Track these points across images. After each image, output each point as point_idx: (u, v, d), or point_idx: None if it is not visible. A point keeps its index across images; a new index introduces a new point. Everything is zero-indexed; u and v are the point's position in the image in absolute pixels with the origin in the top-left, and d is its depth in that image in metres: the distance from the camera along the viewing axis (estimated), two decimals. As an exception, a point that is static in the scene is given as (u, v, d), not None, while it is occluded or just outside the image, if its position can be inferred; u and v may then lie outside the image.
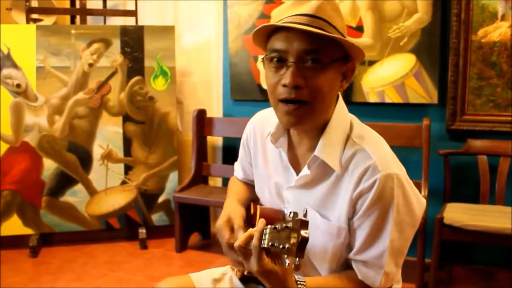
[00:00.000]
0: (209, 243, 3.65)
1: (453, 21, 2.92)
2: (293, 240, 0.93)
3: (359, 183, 1.11)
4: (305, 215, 0.96)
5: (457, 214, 2.63)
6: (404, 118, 3.08)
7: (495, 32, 2.87)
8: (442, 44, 2.99)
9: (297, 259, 0.93)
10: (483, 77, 2.92)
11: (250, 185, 1.48)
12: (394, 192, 1.09)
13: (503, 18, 2.85)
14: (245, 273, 1.36)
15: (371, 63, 3.15)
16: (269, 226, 1.02)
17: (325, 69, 1.09)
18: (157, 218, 3.58)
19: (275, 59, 1.11)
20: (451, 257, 3.08)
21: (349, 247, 1.18)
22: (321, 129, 1.17)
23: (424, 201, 1.18)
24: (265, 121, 1.35)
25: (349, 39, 1.11)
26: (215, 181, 3.83)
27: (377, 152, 1.13)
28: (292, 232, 0.94)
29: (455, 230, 2.55)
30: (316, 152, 1.15)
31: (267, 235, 1.01)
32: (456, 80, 2.96)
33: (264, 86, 3.49)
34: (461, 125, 2.99)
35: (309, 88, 1.08)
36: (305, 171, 1.19)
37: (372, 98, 3.17)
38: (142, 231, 3.50)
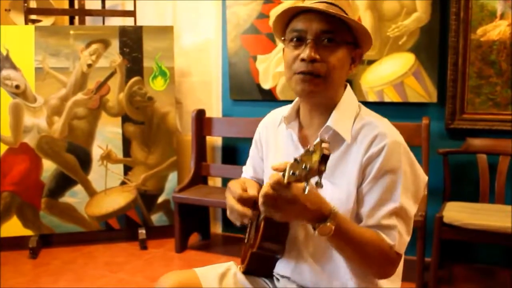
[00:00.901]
0: (209, 243, 3.65)
1: (452, 20, 2.92)
2: (315, 158, 0.92)
3: (369, 149, 1.20)
4: (323, 139, 0.95)
5: (457, 213, 2.63)
6: (403, 117, 3.07)
7: (494, 31, 2.87)
8: (441, 43, 2.99)
9: (319, 177, 0.92)
10: (482, 76, 2.92)
11: (257, 182, 1.49)
12: (401, 159, 1.19)
13: (502, 16, 2.85)
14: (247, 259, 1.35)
15: (370, 62, 3.15)
16: (288, 162, 1.01)
17: (338, 49, 1.21)
18: (157, 218, 3.58)
19: (295, 38, 1.23)
20: (451, 256, 3.08)
21: (357, 217, 1.22)
22: (331, 108, 1.26)
23: (426, 177, 1.26)
24: (276, 115, 1.43)
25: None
26: (215, 181, 3.83)
27: (385, 124, 1.25)
28: (313, 153, 0.93)
29: (455, 229, 2.55)
30: (328, 122, 1.24)
31: (286, 170, 1.01)
32: (455, 79, 2.96)
33: (263, 86, 3.50)
34: (460, 124, 2.99)
35: (324, 63, 1.20)
36: (316, 141, 1.21)
37: (371, 97, 3.17)
38: (142, 232, 3.50)
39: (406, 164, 1.19)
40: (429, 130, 2.90)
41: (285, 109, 1.38)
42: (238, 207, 1.21)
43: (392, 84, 3.11)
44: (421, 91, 3.04)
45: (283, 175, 1.02)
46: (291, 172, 0.98)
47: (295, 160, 0.99)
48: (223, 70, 3.72)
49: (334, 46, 1.21)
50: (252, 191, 1.25)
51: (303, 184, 0.96)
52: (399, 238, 1.18)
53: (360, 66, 3.16)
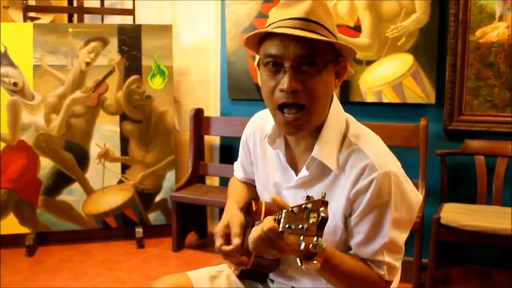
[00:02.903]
0: (206, 243, 3.64)
1: (451, 21, 2.93)
2: (312, 220, 0.91)
3: (357, 182, 1.12)
4: (323, 197, 0.93)
5: (454, 214, 2.63)
6: (401, 118, 3.08)
7: (492, 33, 2.87)
8: (440, 44, 2.99)
9: (315, 238, 0.91)
10: (480, 78, 2.93)
11: (250, 185, 1.49)
12: (392, 190, 1.11)
13: (500, 18, 2.85)
14: (236, 271, 1.36)
15: (369, 63, 3.15)
16: (284, 211, 1.00)
17: (321, 72, 1.09)
18: (154, 217, 3.58)
19: (271, 63, 1.11)
20: (448, 257, 3.08)
21: (346, 244, 1.20)
22: (317, 129, 1.18)
23: (420, 196, 1.20)
24: (264, 121, 1.36)
25: (340, 38, 1.13)
26: (212, 180, 3.83)
27: (374, 150, 1.15)
28: (311, 212, 0.92)
29: (452, 230, 2.55)
30: (313, 154, 1.17)
31: (282, 219, 1.00)
32: (454, 80, 2.96)
33: (262, 85, 3.50)
34: (458, 125, 2.99)
35: (306, 92, 1.09)
36: (304, 172, 1.20)
37: (370, 98, 3.17)
38: (139, 230, 3.49)
39: (397, 194, 1.12)
40: (427, 131, 2.90)
41: (271, 119, 1.23)
42: (225, 257, 1.25)
43: (390, 85, 3.11)
44: (420, 92, 3.04)
45: (278, 219, 1.01)
46: (287, 225, 0.97)
47: (292, 211, 0.97)
48: (221, 69, 3.71)
49: (316, 70, 1.09)
50: (235, 236, 1.24)
51: (299, 239, 0.93)
52: (388, 269, 1.16)
53: (359, 66, 3.16)
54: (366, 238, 1.15)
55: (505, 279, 2.94)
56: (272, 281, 1.39)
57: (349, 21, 3.16)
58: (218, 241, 1.25)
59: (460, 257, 3.11)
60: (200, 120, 3.61)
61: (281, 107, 1.12)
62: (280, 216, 1.01)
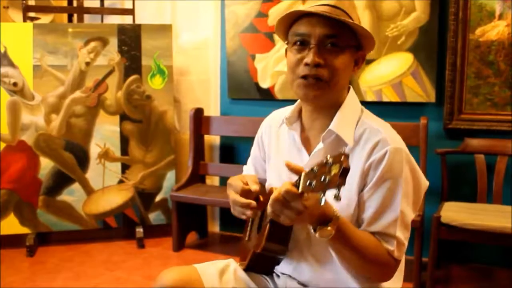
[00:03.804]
0: (207, 242, 3.64)
1: (450, 20, 2.92)
2: (334, 171, 0.91)
3: (371, 154, 1.20)
4: (344, 151, 0.94)
5: (455, 213, 2.63)
6: (401, 117, 3.08)
7: (492, 31, 2.87)
8: (440, 43, 2.99)
9: (337, 190, 0.91)
10: (480, 76, 2.92)
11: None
12: (403, 165, 1.19)
13: (500, 17, 2.85)
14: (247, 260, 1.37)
15: (369, 62, 3.14)
16: (303, 172, 1.01)
17: (342, 53, 1.21)
18: (154, 217, 3.58)
19: (298, 42, 1.23)
20: (449, 256, 3.08)
21: (358, 222, 1.23)
22: (334, 111, 1.26)
23: (427, 182, 1.27)
24: (279, 114, 1.45)
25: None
26: (213, 180, 3.83)
27: (387, 130, 1.24)
28: (333, 165, 0.92)
29: (453, 229, 2.54)
30: (331, 126, 1.24)
31: (301, 180, 1.00)
32: (454, 79, 2.96)
33: (262, 85, 3.50)
34: (458, 124, 2.99)
35: (327, 68, 1.20)
36: (319, 145, 1.26)
37: (370, 97, 3.17)
38: (139, 230, 3.49)
39: (407, 171, 1.19)
40: (427, 130, 2.90)
41: (287, 110, 1.37)
42: (241, 199, 1.23)
43: (390, 84, 3.11)
44: (420, 91, 3.04)
45: (297, 184, 1.02)
46: (308, 182, 0.97)
47: (312, 170, 0.98)
48: (221, 69, 3.71)
49: (338, 50, 1.20)
50: (253, 186, 1.26)
51: (318, 195, 0.95)
52: (397, 245, 1.19)
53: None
54: (378, 211, 1.19)
55: (505, 278, 2.94)
56: (278, 276, 1.39)
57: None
58: (240, 184, 1.27)
59: (461, 256, 3.10)
60: (200, 120, 3.61)
61: (302, 78, 1.22)
62: (298, 181, 1.01)
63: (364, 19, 3.12)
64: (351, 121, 1.26)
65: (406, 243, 1.22)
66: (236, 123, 3.50)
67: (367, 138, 1.22)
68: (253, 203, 1.22)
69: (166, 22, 3.77)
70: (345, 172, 0.90)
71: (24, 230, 3.37)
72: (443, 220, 2.57)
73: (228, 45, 3.60)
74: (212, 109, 3.76)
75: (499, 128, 2.89)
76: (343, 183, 0.90)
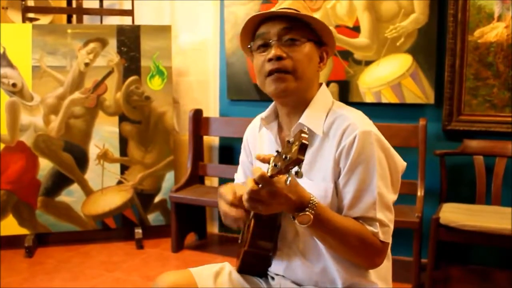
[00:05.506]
0: (205, 243, 3.64)
1: (449, 21, 2.93)
2: (294, 148, 0.95)
3: (340, 141, 1.22)
4: (303, 130, 0.98)
5: (453, 214, 2.63)
6: (400, 118, 3.08)
7: (491, 33, 2.87)
8: (439, 44, 3.00)
9: (298, 166, 0.95)
10: (479, 78, 2.93)
11: None
12: (374, 147, 1.20)
13: (499, 18, 2.85)
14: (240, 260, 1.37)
15: (368, 63, 3.15)
16: (272, 155, 1.06)
17: (302, 45, 1.25)
18: (153, 218, 3.57)
19: (260, 44, 1.28)
20: (448, 257, 3.08)
21: (339, 210, 1.24)
22: (306, 107, 1.30)
23: (404, 163, 1.28)
24: (258, 119, 1.45)
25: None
26: (212, 181, 3.83)
27: (355, 115, 1.26)
28: (293, 143, 0.97)
29: (451, 230, 2.55)
30: (301, 120, 1.27)
31: (270, 163, 1.06)
32: (453, 81, 2.97)
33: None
34: (457, 126, 2.99)
35: (290, 59, 1.24)
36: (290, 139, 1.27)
37: (369, 98, 3.17)
38: (138, 231, 3.49)
39: (380, 152, 1.20)
40: (426, 131, 2.90)
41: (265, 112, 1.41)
42: (231, 211, 1.23)
43: (389, 85, 3.12)
44: (418, 92, 3.05)
45: (267, 169, 1.06)
46: (274, 164, 1.03)
47: (277, 152, 1.03)
48: (220, 70, 3.72)
49: (297, 44, 1.25)
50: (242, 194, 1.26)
51: (285, 176, 0.99)
52: (381, 227, 1.20)
53: (357, 67, 3.16)
54: (356, 196, 1.20)
55: (504, 279, 2.94)
56: (273, 278, 1.40)
57: (348, 22, 3.17)
58: (229, 195, 1.26)
59: (459, 257, 3.11)
60: (199, 121, 3.61)
61: (269, 75, 1.26)
62: (268, 166, 1.06)
63: (363, 20, 3.12)
64: (321, 112, 1.29)
65: (391, 225, 1.23)
66: (235, 124, 3.50)
67: (337, 126, 1.24)
68: (242, 215, 1.22)
69: (165, 23, 3.77)
70: (303, 147, 0.94)
71: (23, 231, 3.37)
72: (442, 222, 2.57)
73: (227, 46, 3.60)
74: (211, 110, 3.76)
75: (498, 129, 2.89)
76: (302, 158, 0.94)
